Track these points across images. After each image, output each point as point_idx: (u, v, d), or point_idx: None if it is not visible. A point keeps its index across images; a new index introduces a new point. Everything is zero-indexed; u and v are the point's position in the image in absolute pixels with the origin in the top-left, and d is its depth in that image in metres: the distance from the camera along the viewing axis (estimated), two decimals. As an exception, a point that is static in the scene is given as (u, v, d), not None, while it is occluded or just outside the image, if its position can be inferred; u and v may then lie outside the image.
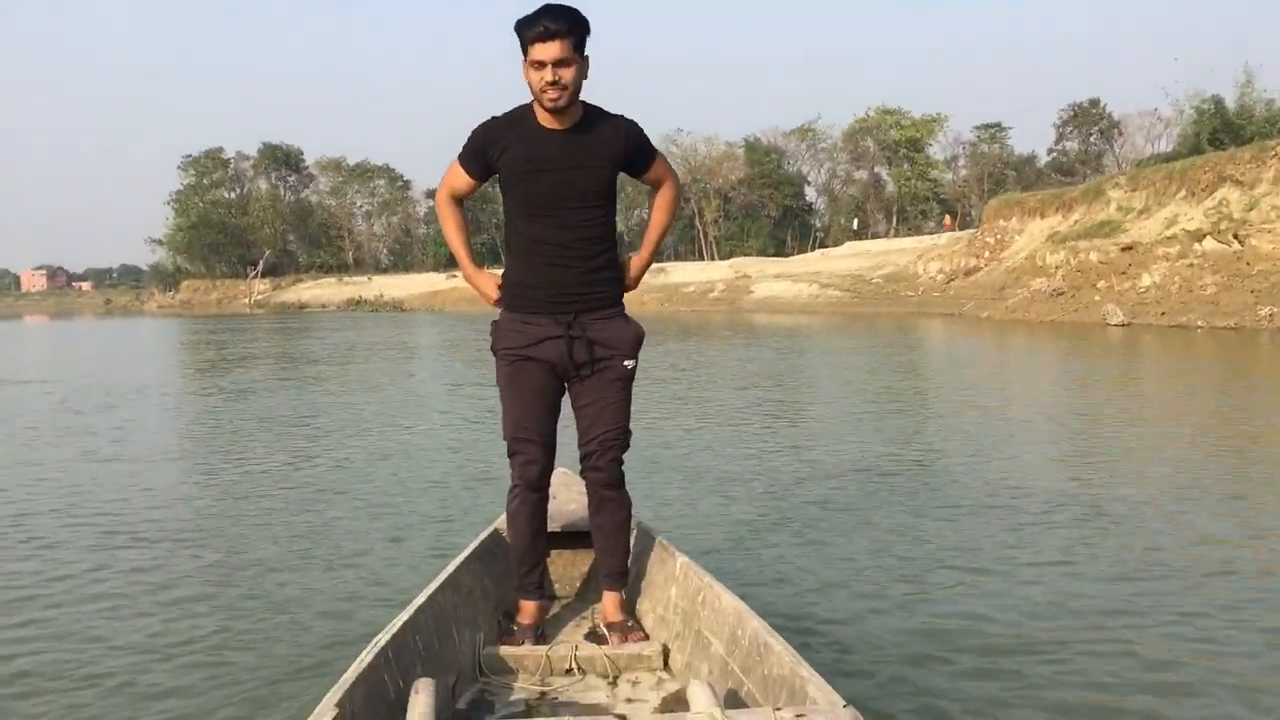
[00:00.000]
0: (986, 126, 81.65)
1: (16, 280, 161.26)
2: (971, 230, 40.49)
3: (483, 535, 3.80)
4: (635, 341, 3.29)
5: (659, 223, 3.47)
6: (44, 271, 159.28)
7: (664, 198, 3.42)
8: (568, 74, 3.01)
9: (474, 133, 3.21)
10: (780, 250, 71.47)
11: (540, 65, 3.00)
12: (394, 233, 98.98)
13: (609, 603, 3.39)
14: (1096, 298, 24.95)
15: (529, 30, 2.99)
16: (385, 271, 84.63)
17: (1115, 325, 22.72)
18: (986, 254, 34.19)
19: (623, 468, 3.36)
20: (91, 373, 17.73)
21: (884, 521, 5.57)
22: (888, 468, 7.09)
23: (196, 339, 31.41)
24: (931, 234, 50.16)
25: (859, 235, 70.72)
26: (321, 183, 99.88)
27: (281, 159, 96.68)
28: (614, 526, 3.39)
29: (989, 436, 8.52)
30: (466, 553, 3.56)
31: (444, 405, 11.63)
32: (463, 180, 3.27)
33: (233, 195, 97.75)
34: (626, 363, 3.26)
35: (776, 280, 42.37)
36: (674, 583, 3.40)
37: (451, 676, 2.95)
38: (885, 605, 4.21)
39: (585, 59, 3.08)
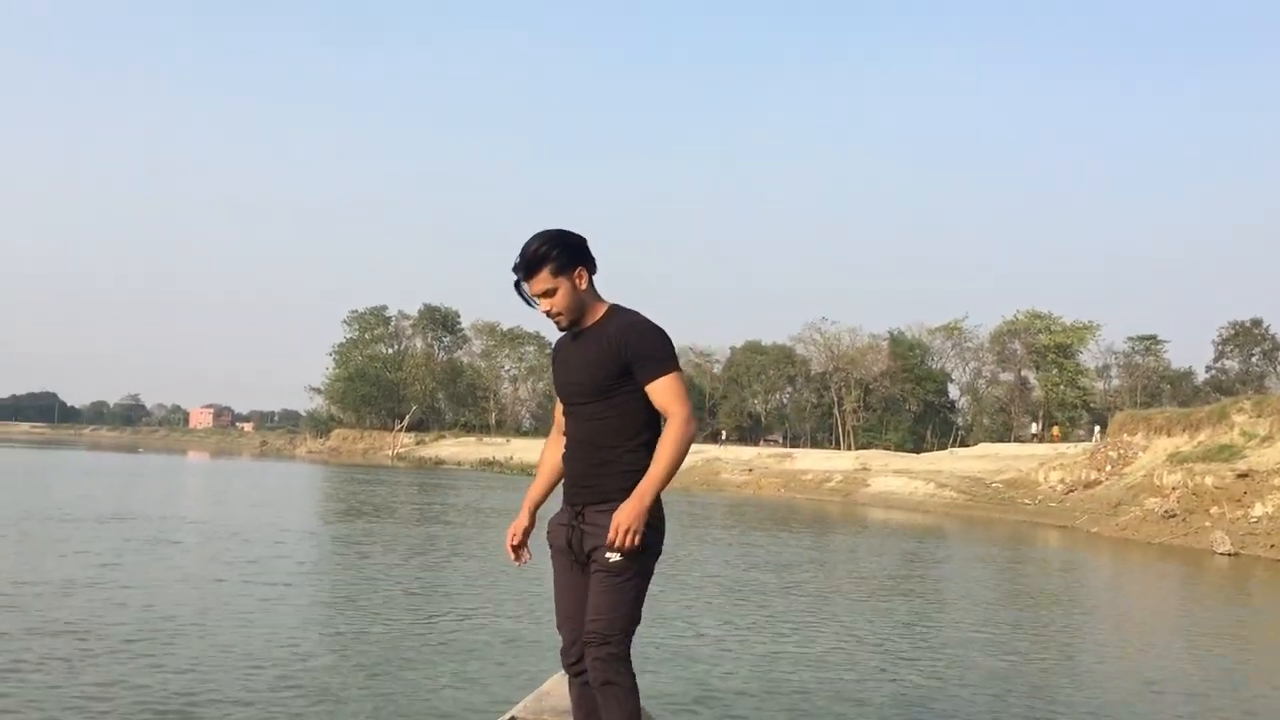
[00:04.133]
0: (1142, 338, 79.62)
1: (186, 417, 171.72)
2: (1096, 443, 39.09)
3: None
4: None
5: (654, 464, 3.26)
6: (211, 410, 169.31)
7: (665, 433, 3.30)
8: (556, 302, 3.31)
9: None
10: (919, 446, 70.22)
11: (536, 298, 3.35)
12: (537, 398, 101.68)
13: None
14: (1207, 523, 23.63)
15: (516, 269, 3.34)
16: (525, 435, 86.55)
17: (1221, 554, 21.43)
18: (1108, 468, 32.92)
19: (618, 667, 3.22)
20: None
21: None
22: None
23: (331, 485, 32.84)
24: (1077, 441, 48.64)
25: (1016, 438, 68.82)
26: (474, 344, 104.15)
27: (439, 320, 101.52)
28: None
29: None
30: None
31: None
32: None
33: (390, 351, 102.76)
34: (609, 555, 3.21)
35: (895, 476, 41.57)
36: None
37: None
38: None
39: (574, 274, 3.32)
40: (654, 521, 3.25)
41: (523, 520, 3.55)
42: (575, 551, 3.33)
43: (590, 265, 3.35)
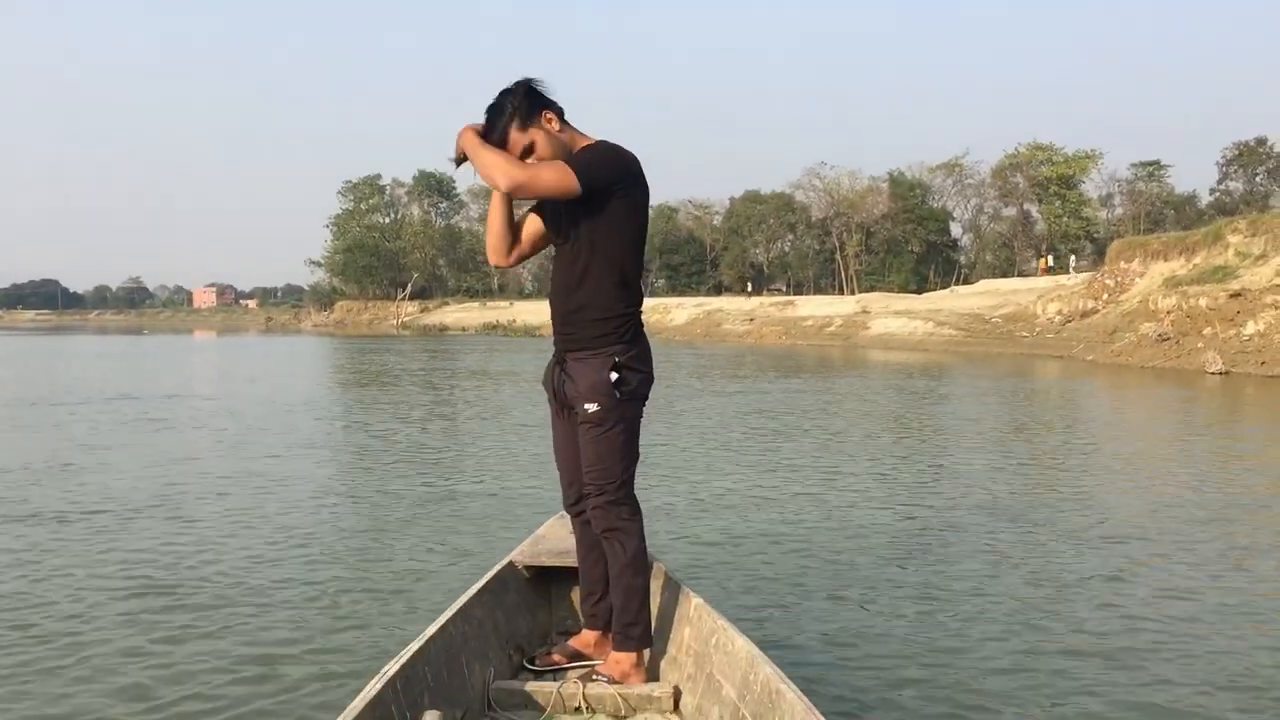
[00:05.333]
0: (1144, 164, 78.59)
1: (189, 297, 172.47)
2: (1093, 271, 39.00)
3: (497, 567, 3.73)
4: (594, 386, 3.16)
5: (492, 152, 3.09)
6: (214, 289, 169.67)
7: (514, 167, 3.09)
8: (540, 153, 3.10)
9: None
10: (922, 287, 70.20)
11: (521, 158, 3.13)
12: (538, 259, 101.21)
13: (615, 662, 3.27)
14: (1200, 344, 23.75)
15: (486, 136, 3.12)
16: (528, 297, 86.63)
17: (1213, 373, 21.61)
18: (1105, 296, 32.88)
19: (619, 513, 3.22)
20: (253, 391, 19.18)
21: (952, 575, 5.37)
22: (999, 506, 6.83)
23: (332, 355, 33.14)
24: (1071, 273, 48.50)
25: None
26: (472, 209, 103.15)
27: (434, 186, 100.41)
28: (614, 573, 3.26)
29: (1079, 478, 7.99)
30: (479, 584, 3.50)
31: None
32: None
33: (387, 220, 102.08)
34: (587, 406, 3.16)
35: (895, 317, 41.66)
36: (687, 623, 3.34)
37: (459, 710, 2.93)
38: (912, 659, 4.11)
39: (542, 119, 3.12)
40: (636, 365, 3.19)
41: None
42: (560, 399, 3.30)
43: (555, 107, 3.16)
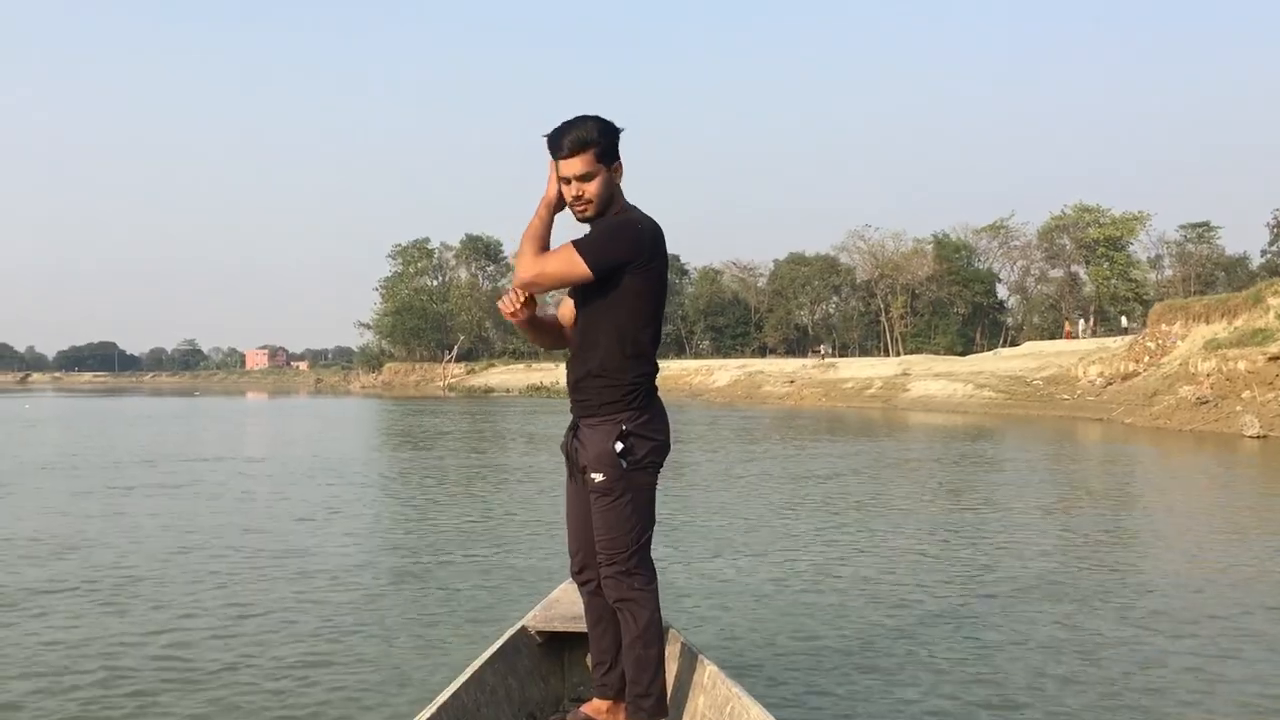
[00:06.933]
0: (1194, 225, 77.77)
1: (242, 359, 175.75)
2: (1135, 335, 38.59)
3: (510, 632, 3.69)
4: (599, 456, 3.12)
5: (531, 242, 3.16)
6: (266, 351, 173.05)
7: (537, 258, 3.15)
8: (591, 188, 3.11)
9: None
10: (968, 348, 69.71)
11: (567, 181, 3.12)
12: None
13: None
14: (1239, 408, 23.39)
15: (555, 147, 3.11)
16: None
17: (1250, 436, 21.27)
18: (1146, 359, 32.52)
19: (631, 583, 3.15)
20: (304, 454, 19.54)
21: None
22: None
23: (380, 418, 33.57)
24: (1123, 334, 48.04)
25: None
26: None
27: (482, 250, 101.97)
28: (626, 644, 3.19)
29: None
30: (492, 650, 3.47)
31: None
32: None
33: (435, 283, 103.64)
34: (594, 475, 3.13)
35: (935, 379, 41.43)
36: (702, 692, 3.27)
37: None
38: None
39: (613, 167, 3.15)
40: (645, 433, 3.14)
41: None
42: (573, 464, 3.28)
43: (620, 162, 3.19)
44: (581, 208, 3.13)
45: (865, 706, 4.38)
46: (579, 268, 3.05)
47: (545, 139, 3.12)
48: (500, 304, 3.22)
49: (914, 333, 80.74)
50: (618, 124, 3.17)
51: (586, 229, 3.17)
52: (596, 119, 3.12)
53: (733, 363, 65.40)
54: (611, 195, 3.15)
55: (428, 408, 43.15)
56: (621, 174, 3.18)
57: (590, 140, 3.07)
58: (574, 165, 3.08)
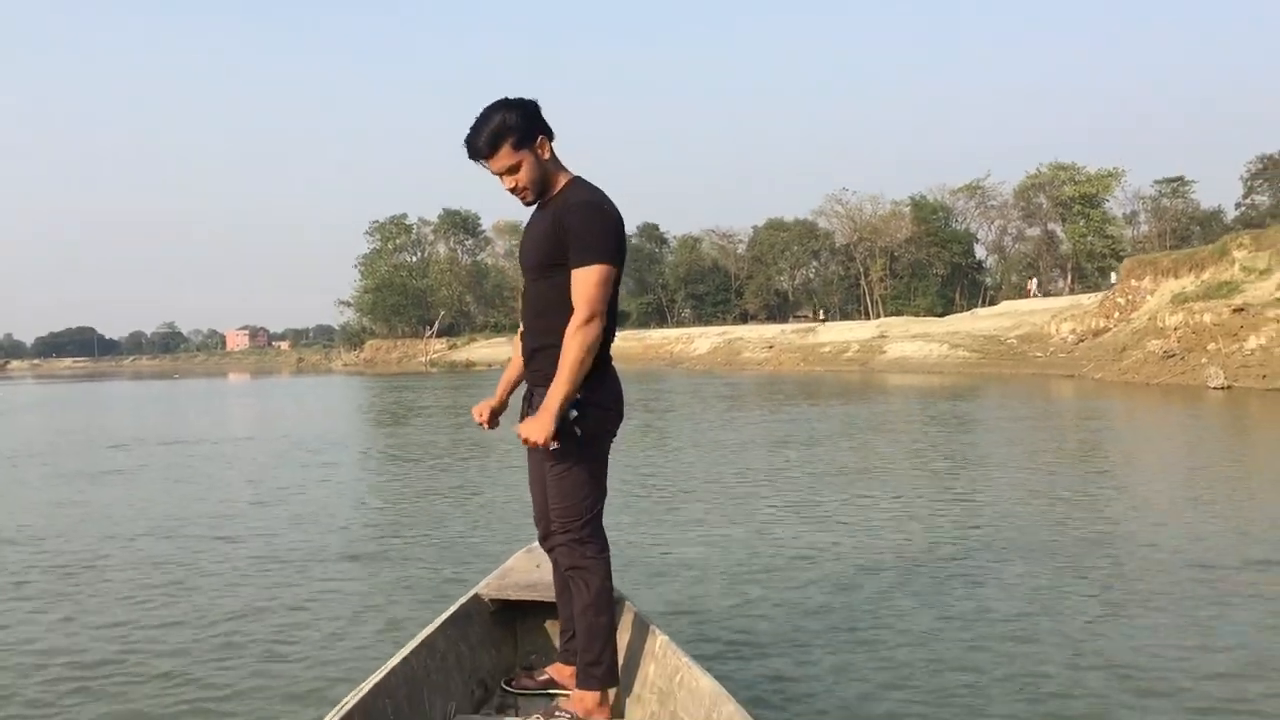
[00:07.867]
0: (1168, 180, 78.30)
1: (223, 340, 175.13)
2: (1107, 290, 38.98)
3: (462, 599, 3.67)
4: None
5: (562, 357, 2.99)
6: (246, 331, 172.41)
7: (570, 329, 2.99)
8: (522, 177, 3.07)
9: None
10: (948, 309, 70.15)
11: (498, 175, 3.11)
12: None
13: (578, 699, 3.19)
14: (1204, 360, 23.76)
15: (473, 151, 3.07)
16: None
17: (1215, 388, 21.62)
18: (1116, 315, 32.91)
19: (583, 551, 3.15)
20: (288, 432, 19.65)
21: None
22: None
23: (359, 395, 33.60)
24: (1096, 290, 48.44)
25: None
26: (497, 245, 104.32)
27: (460, 223, 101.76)
28: (577, 612, 3.19)
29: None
30: (444, 617, 3.45)
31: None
32: None
33: (414, 259, 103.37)
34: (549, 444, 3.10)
35: (910, 341, 41.75)
36: (652, 661, 3.28)
37: None
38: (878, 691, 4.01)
39: (536, 145, 3.07)
40: (597, 399, 3.07)
41: (491, 400, 3.51)
42: None
43: (549, 132, 3.11)
44: (521, 196, 3.13)
45: (814, 671, 4.38)
46: (608, 274, 3.01)
47: (464, 146, 3.09)
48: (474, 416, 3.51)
49: (894, 295, 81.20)
50: (526, 97, 3.11)
51: (534, 209, 3.21)
52: (502, 106, 3.06)
53: (713, 330, 65.53)
54: (545, 173, 3.10)
55: (409, 384, 43.15)
56: (547, 148, 3.10)
57: (502, 133, 3.02)
58: (498, 162, 3.06)
